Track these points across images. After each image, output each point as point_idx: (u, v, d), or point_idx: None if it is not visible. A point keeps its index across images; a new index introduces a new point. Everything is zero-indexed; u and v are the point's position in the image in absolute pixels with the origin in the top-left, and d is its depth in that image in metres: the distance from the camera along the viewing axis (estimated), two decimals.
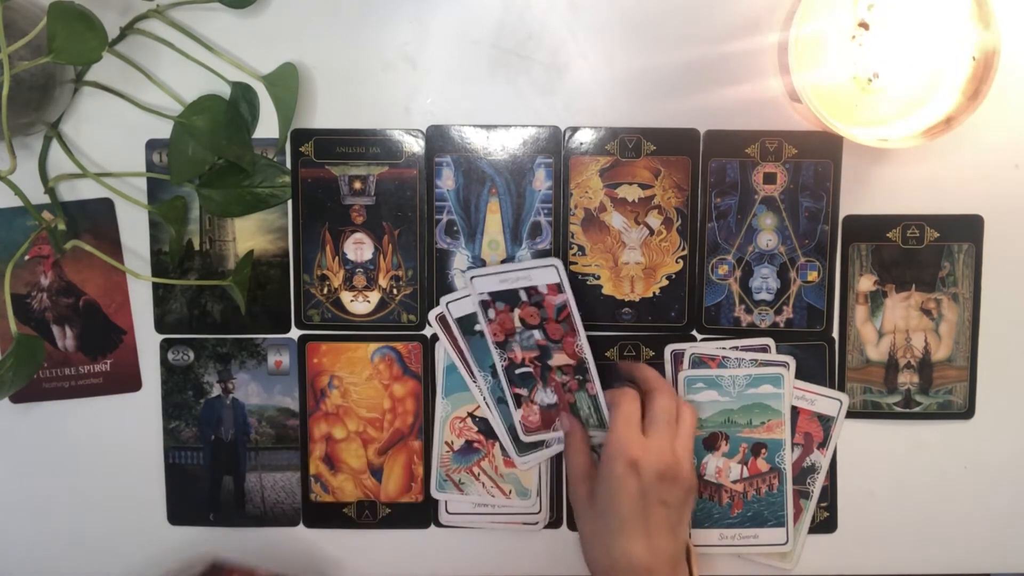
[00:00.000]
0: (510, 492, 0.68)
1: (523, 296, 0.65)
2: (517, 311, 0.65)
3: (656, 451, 0.60)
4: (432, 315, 0.67)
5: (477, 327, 0.66)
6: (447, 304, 0.66)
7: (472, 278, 0.65)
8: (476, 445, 0.68)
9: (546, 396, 0.66)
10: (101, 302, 0.69)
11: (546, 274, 0.65)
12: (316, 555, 0.70)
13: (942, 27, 0.62)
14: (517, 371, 0.65)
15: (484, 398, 0.67)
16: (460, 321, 0.66)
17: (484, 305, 0.65)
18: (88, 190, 0.67)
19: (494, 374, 0.66)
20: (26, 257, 0.68)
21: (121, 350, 0.69)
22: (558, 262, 0.65)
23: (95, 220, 0.68)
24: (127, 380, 0.69)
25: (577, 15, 0.66)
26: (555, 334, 0.65)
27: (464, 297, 0.66)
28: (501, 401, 0.66)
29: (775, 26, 0.65)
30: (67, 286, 0.68)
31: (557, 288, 0.65)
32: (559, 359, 0.65)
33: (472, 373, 0.67)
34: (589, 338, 0.68)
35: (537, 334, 0.65)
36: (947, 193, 0.67)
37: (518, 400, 0.66)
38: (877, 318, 0.68)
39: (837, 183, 0.67)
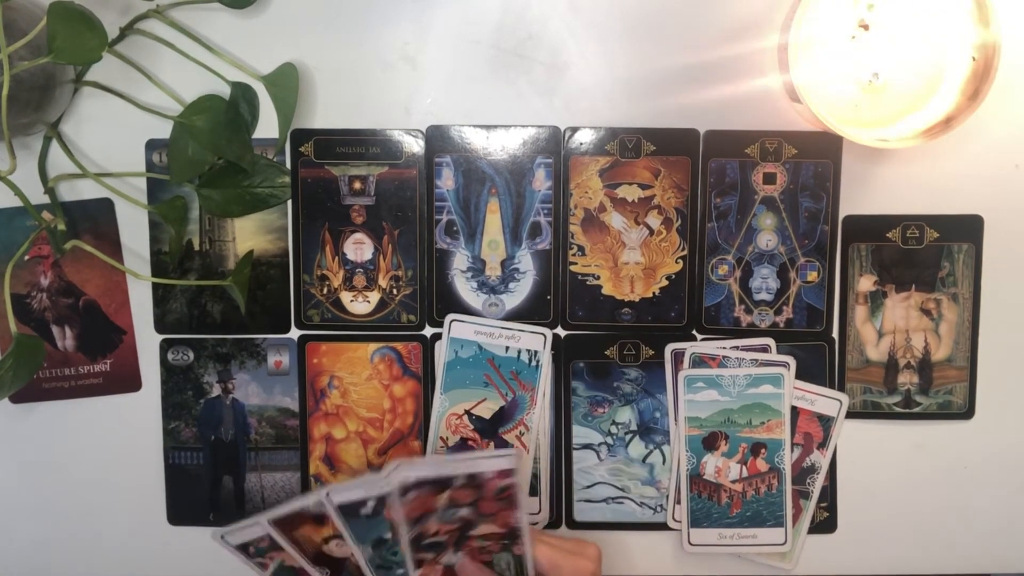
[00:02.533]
0: None
1: (461, 480, 0.56)
2: (446, 493, 0.56)
3: None
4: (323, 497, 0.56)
5: (364, 511, 0.56)
6: (327, 494, 0.56)
7: (396, 468, 0.55)
8: (471, 443, 0.68)
9: (455, 558, 0.58)
10: (101, 302, 0.69)
11: (500, 462, 0.56)
12: None
13: (942, 27, 0.62)
14: (425, 542, 0.57)
15: (361, 563, 0.58)
16: (343, 508, 0.56)
17: (401, 491, 0.55)
18: (88, 190, 0.67)
19: (377, 545, 0.57)
20: (26, 257, 0.68)
21: (121, 350, 0.69)
22: (517, 452, 0.57)
23: (95, 220, 0.68)
24: (127, 380, 0.69)
25: (577, 15, 0.66)
26: (488, 510, 0.57)
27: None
28: (383, 567, 0.58)
29: (775, 26, 0.65)
30: (67, 286, 0.68)
31: (509, 473, 0.56)
32: (485, 529, 0.57)
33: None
34: (589, 337, 0.68)
35: (465, 511, 0.57)
36: (947, 193, 0.67)
37: (419, 563, 0.58)
38: (877, 318, 0.68)
39: (837, 183, 0.67)
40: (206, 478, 0.70)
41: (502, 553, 0.59)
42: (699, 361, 0.68)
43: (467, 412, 0.68)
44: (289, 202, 0.67)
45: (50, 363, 0.69)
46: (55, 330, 0.69)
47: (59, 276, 0.68)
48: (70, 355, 0.69)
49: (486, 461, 0.56)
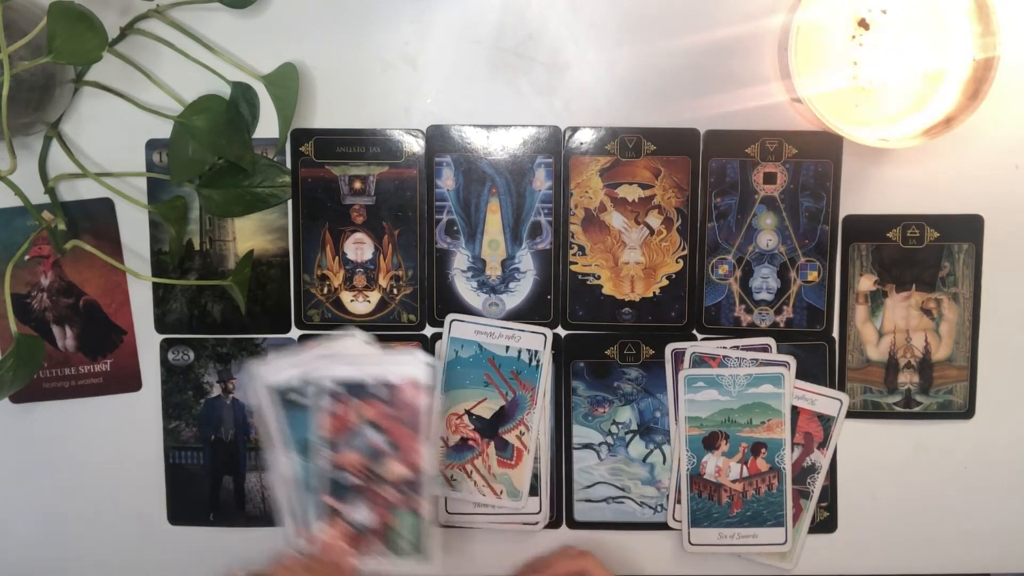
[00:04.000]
0: (501, 492, 0.68)
1: (373, 390, 0.60)
2: (359, 402, 0.59)
3: None
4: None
5: (294, 396, 0.60)
6: (261, 368, 0.61)
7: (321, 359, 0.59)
8: (471, 443, 0.68)
9: (360, 514, 0.60)
10: (101, 302, 0.69)
11: (409, 371, 0.60)
12: None
13: (942, 27, 0.62)
14: (340, 482, 0.60)
15: (286, 477, 0.60)
16: (280, 392, 0.60)
17: (333, 396, 0.60)
18: (88, 190, 0.67)
19: (304, 450, 0.61)
20: (26, 257, 0.68)
21: (121, 350, 0.69)
22: (431, 359, 0.59)
23: (95, 220, 0.68)
24: (127, 380, 0.69)
25: (577, 15, 0.66)
26: (396, 436, 0.60)
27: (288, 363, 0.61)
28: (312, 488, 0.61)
29: (775, 26, 0.65)
30: (67, 286, 0.68)
31: (415, 385, 0.60)
32: (394, 469, 0.60)
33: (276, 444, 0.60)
34: (590, 337, 0.68)
35: (375, 435, 0.60)
36: (947, 193, 0.67)
37: (331, 511, 0.60)
38: (877, 318, 0.68)
39: (837, 183, 0.67)
40: (206, 478, 0.70)
41: (405, 514, 0.59)
42: (699, 361, 0.68)
43: (467, 412, 0.68)
44: (289, 202, 0.67)
45: (50, 363, 0.69)
46: (55, 330, 0.69)
47: (59, 276, 0.68)
48: (70, 355, 0.69)
49: (395, 368, 0.59)
